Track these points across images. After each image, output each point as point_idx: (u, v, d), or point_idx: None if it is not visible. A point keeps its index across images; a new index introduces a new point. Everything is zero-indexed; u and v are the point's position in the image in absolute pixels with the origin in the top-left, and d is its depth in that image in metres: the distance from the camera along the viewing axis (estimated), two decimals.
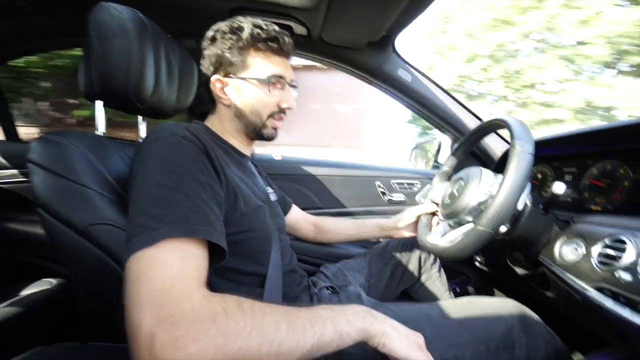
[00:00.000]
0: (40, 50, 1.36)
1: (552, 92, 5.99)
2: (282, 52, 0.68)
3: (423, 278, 0.97)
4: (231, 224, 0.56)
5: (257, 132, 0.71)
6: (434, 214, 0.95)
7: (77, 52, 2.06)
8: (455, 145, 0.95)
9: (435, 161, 1.39)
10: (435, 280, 0.96)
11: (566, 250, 0.64)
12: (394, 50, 1.18)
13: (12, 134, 1.33)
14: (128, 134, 1.16)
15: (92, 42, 0.62)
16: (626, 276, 0.50)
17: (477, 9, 6.83)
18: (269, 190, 0.84)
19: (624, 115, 5.15)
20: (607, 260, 0.54)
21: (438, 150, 1.39)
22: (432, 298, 0.96)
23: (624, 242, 0.53)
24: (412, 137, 8.04)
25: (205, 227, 0.43)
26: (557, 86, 5.90)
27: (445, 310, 0.67)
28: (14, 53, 1.25)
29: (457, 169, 0.92)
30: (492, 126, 0.80)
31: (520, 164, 0.58)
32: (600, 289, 0.53)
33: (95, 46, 0.62)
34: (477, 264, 1.13)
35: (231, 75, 0.67)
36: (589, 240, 0.60)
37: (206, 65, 0.69)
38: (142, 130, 0.87)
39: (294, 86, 0.72)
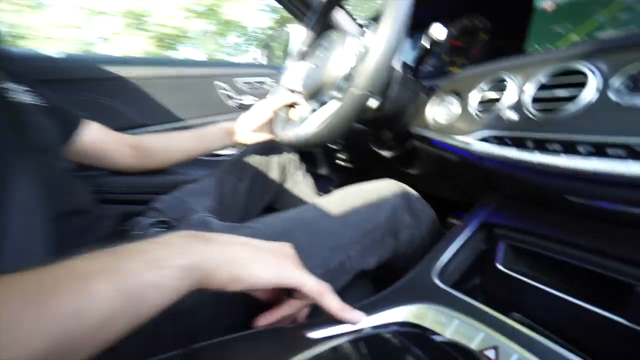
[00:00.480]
0: None
1: None
2: None
3: (288, 186, 0.80)
4: None
5: None
6: (292, 105, 0.75)
7: None
8: (311, 19, 0.74)
9: (288, 53, 1.16)
10: (301, 186, 0.81)
11: (440, 112, 0.55)
12: None
13: None
14: None
15: None
16: (512, 114, 0.42)
17: None
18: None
19: None
20: (487, 107, 0.47)
21: (288, 42, 1.16)
22: (302, 204, 0.81)
23: (502, 81, 0.46)
24: None
25: None
26: None
27: (321, 209, 0.51)
28: None
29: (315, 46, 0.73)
30: None
31: (398, 7, 0.45)
32: (484, 139, 0.45)
33: None
34: (339, 162, 1.05)
35: None
36: (463, 92, 0.51)
37: None
38: None
39: None
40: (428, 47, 0.65)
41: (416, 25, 0.73)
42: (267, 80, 1.12)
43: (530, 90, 0.41)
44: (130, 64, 0.91)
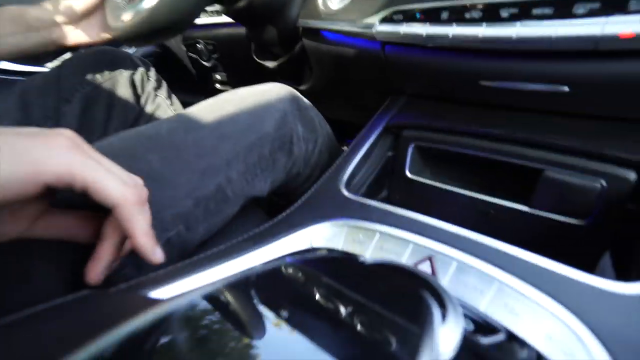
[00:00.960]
0: None
1: None
2: None
3: (148, 109, 0.58)
4: None
5: None
6: None
7: None
8: None
9: None
10: (166, 108, 0.60)
11: None
12: None
13: None
14: None
15: None
16: None
17: None
18: None
19: None
20: None
21: None
22: None
23: None
24: None
25: None
26: None
27: (185, 120, 0.35)
28: None
29: None
30: None
31: None
32: (389, 19, 0.36)
33: None
34: (217, 85, 0.85)
35: None
36: None
37: None
38: None
39: None
40: None
41: None
42: None
43: None
44: None
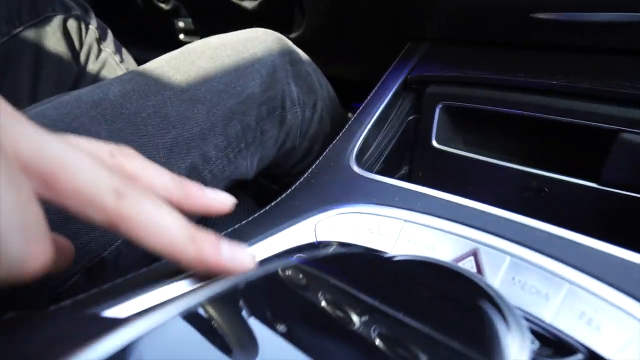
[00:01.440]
0: None
1: None
2: None
3: (91, 67, 0.48)
4: None
5: None
6: None
7: None
8: None
9: None
10: (115, 66, 0.50)
11: None
12: None
13: None
14: None
15: None
16: None
17: None
18: None
19: None
20: None
21: None
22: None
23: None
24: None
25: None
26: None
27: (146, 82, 0.27)
28: None
29: None
30: None
31: None
32: None
33: None
34: (181, 36, 0.72)
35: None
36: None
37: None
38: None
39: None
40: None
41: None
42: None
43: None
44: None
